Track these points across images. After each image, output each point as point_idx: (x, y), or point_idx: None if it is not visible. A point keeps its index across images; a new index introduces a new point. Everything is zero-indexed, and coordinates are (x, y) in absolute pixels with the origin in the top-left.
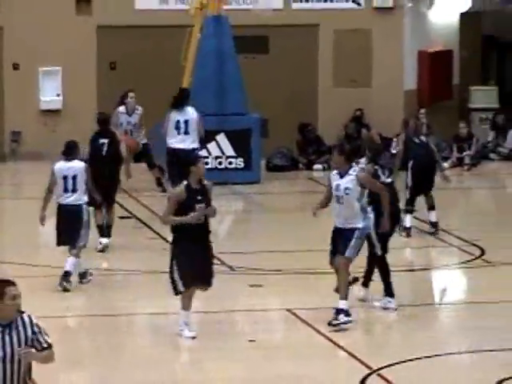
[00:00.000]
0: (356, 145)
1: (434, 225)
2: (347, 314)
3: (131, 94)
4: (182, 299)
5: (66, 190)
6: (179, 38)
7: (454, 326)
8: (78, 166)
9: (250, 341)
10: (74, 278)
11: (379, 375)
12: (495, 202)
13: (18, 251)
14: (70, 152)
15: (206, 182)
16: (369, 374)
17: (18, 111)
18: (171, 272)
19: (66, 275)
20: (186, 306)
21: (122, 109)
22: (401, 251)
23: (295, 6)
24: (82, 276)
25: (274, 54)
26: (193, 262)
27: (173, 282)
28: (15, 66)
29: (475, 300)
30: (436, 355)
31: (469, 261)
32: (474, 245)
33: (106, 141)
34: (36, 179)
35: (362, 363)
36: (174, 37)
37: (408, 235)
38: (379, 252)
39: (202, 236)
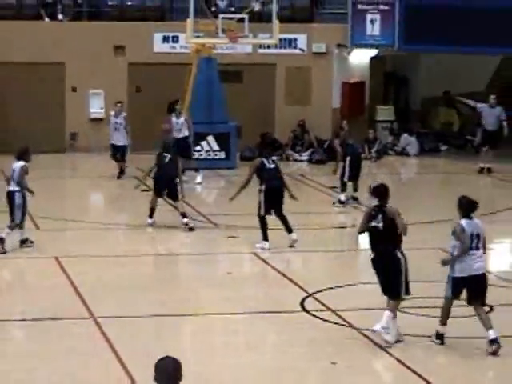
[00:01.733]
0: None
1: (355, 198)
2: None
3: (178, 106)
4: None
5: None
6: (183, 71)
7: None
8: (16, 165)
9: (228, 273)
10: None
11: (314, 298)
12: (391, 184)
13: None
14: (18, 155)
15: None
16: (306, 297)
17: (75, 119)
18: None
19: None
20: None
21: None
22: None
23: (260, 51)
24: (22, 242)
25: (246, 83)
26: None
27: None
28: (73, 89)
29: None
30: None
31: None
32: None
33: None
34: (86, 165)
35: (301, 288)
36: (179, 70)
37: (343, 205)
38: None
39: None
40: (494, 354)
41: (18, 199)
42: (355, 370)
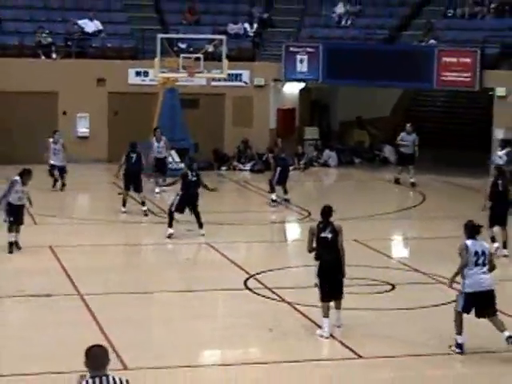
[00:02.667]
0: None
1: (287, 200)
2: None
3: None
4: None
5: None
6: (152, 99)
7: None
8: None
9: (187, 259)
10: None
11: (255, 278)
12: (316, 189)
13: None
14: (20, 172)
15: None
16: (248, 277)
17: (66, 136)
18: None
19: None
20: None
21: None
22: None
23: (213, 83)
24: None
25: (202, 109)
26: None
27: None
28: (64, 113)
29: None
30: (289, 267)
31: (300, 219)
32: (306, 209)
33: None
34: (74, 174)
35: (242, 269)
36: (148, 98)
37: (276, 203)
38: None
39: None
40: None
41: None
42: (288, 335)
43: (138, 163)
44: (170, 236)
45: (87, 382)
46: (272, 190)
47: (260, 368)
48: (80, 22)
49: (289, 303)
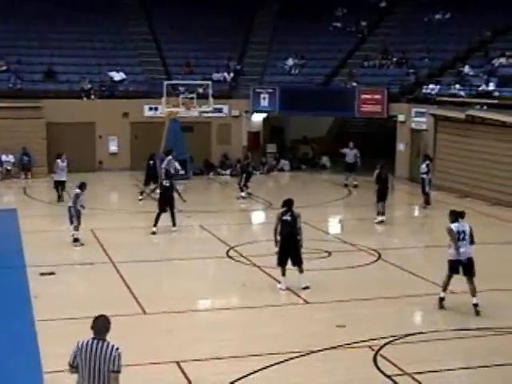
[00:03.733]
0: None
1: (249, 193)
2: None
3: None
4: None
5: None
6: (161, 126)
7: None
8: (75, 191)
9: (184, 237)
10: None
11: (234, 250)
12: (275, 187)
13: None
14: (79, 185)
15: None
16: (229, 249)
17: (101, 153)
18: None
19: None
20: None
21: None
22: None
23: (203, 115)
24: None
25: (195, 133)
26: None
27: None
28: (100, 136)
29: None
30: (256, 241)
31: (264, 207)
32: (268, 201)
33: None
34: (109, 179)
35: (225, 243)
36: (158, 126)
37: (244, 199)
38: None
39: None
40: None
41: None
42: (259, 288)
43: (154, 167)
44: (153, 233)
45: (87, 340)
46: (242, 190)
47: (236, 311)
48: (110, 73)
49: (258, 267)
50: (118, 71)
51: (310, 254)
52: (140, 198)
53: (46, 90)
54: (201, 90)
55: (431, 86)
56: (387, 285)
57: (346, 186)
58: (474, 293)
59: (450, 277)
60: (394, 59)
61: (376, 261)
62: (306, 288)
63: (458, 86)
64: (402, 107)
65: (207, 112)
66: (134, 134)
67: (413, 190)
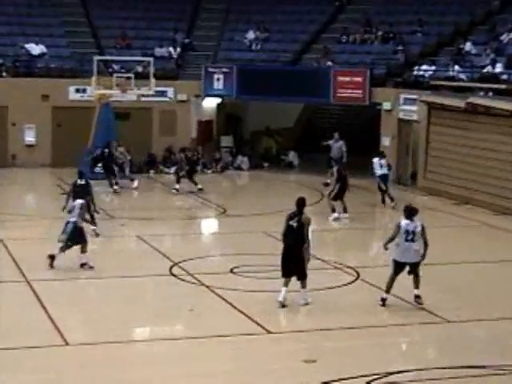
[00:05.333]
0: None
1: (201, 189)
2: None
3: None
4: None
5: None
6: (90, 112)
7: None
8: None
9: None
10: None
11: (179, 266)
12: (230, 189)
13: None
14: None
15: None
16: (173, 265)
17: (15, 145)
18: None
19: None
20: None
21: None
22: None
23: (142, 99)
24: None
25: (132, 121)
26: None
27: None
28: (13, 124)
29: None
30: (208, 256)
31: (217, 215)
32: (222, 207)
33: None
34: (22, 176)
35: (168, 258)
36: (87, 112)
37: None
38: None
39: None
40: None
41: None
42: (209, 314)
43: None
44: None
45: None
46: (178, 181)
47: (181, 342)
48: (27, 45)
49: (207, 286)
50: (36, 43)
51: (271, 272)
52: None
53: None
54: (140, 69)
55: (424, 67)
56: (366, 311)
57: (326, 184)
58: (417, 285)
59: (393, 278)
60: (379, 33)
61: (354, 281)
62: (306, 305)
63: (457, 68)
64: (388, 93)
65: (147, 95)
66: (56, 121)
67: (400, 195)
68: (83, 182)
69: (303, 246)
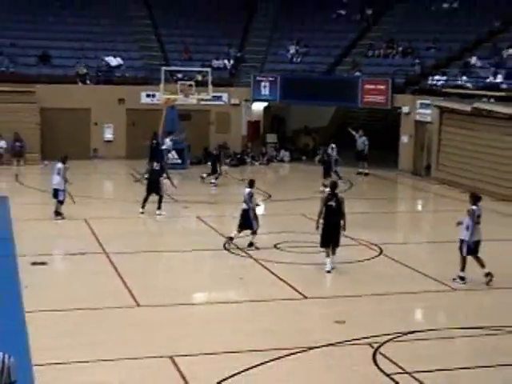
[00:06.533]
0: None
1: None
2: None
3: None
4: None
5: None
6: (158, 114)
7: None
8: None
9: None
10: None
11: (232, 242)
12: (276, 178)
13: None
14: (62, 158)
15: None
16: (226, 241)
17: (96, 140)
18: None
19: None
20: None
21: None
22: None
23: (202, 102)
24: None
25: (194, 121)
26: None
27: None
28: (95, 123)
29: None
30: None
31: (264, 199)
32: (268, 193)
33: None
34: (103, 165)
35: (222, 235)
36: (155, 113)
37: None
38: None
39: None
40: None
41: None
42: (256, 282)
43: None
44: (142, 213)
45: None
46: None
47: (232, 305)
48: (106, 58)
49: (255, 259)
50: (115, 56)
51: (308, 248)
52: (136, 178)
53: (39, 75)
54: (200, 77)
55: (437, 77)
56: (388, 281)
57: (359, 173)
58: (482, 264)
59: (465, 257)
60: (400, 49)
61: (377, 256)
62: (333, 269)
63: (464, 78)
64: (407, 98)
65: (206, 100)
66: (130, 121)
67: (416, 184)
68: (157, 168)
69: (341, 221)
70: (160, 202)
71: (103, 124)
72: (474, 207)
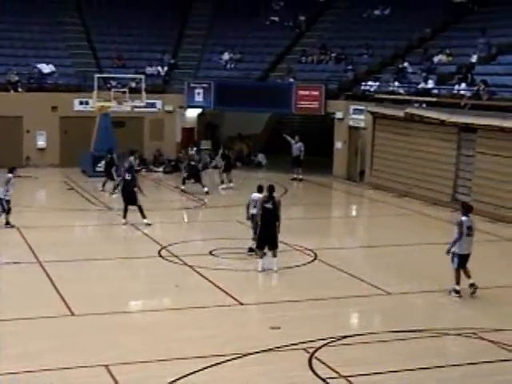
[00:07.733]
0: None
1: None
2: None
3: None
4: None
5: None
6: (91, 121)
7: None
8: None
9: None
10: None
11: (167, 249)
12: (212, 184)
13: None
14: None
15: None
16: (161, 248)
17: (29, 148)
18: None
19: None
20: None
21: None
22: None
23: (135, 110)
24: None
25: (127, 128)
26: None
27: None
28: (28, 131)
29: None
30: (191, 240)
31: (197, 206)
32: (202, 199)
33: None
34: (35, 175)
35: (157, 243)
36: (88, 121)
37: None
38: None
39: None
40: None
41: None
42: (192, 289)
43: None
44: (124, 224)
45: None
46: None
47: (168, 313)
48: (38, 65)
49: (190, 266)
50: (47, 63)
51: (244, 254)
52: (70, 186)
53: None
54: (133, 84)
55: (370, 82)
56: (323, 286)
57: (293, 179)
58: (469, 275)
59: (459, 270)
60: (333, 55)
61: (312, 261)
62: (276, 271)
63: (396, 84)
64: (340, 104)
65: (140, 107)
66: (63, 128)
67: (350, 190)
68: (129, 178)
69: (276, 223)
70: (141, 211)
71: (36, 132)
72: (463, 218)
